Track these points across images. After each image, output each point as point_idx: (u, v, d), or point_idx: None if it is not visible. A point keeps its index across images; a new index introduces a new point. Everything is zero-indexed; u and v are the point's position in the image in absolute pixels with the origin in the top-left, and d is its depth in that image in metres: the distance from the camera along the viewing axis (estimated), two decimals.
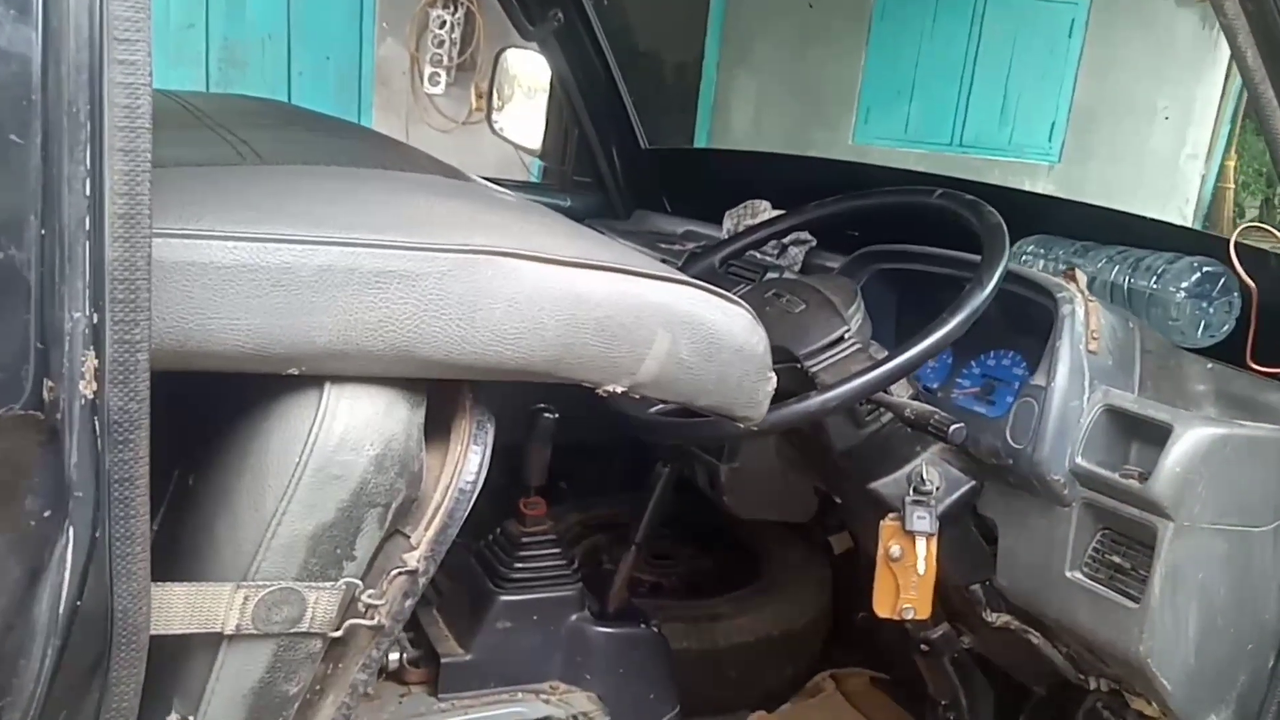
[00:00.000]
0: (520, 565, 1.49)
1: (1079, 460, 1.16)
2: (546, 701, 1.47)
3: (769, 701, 1.97)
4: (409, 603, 0.93)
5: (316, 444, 0.87)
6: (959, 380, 1.45)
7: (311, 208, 0.93)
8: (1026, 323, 1.32)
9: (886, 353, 1.17)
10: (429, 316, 0.84)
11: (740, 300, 0.98)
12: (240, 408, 0.93)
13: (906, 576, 1.23)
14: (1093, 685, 1.30)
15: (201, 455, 0.98)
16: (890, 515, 1.24)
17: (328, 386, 0.87)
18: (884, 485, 1.27)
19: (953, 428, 1.13)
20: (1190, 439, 1.09)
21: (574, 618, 1.51)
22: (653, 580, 2.10)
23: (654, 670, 1.57)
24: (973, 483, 1.28)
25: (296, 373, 0.85)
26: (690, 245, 1.91)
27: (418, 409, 0.92)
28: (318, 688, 0.98)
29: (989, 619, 1.34)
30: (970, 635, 1.44)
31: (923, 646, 1.48)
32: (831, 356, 1.19)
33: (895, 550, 1.22)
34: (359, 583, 0.91)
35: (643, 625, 1.57)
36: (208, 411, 0.98)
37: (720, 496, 1.71)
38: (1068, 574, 1.18)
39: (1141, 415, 1.15)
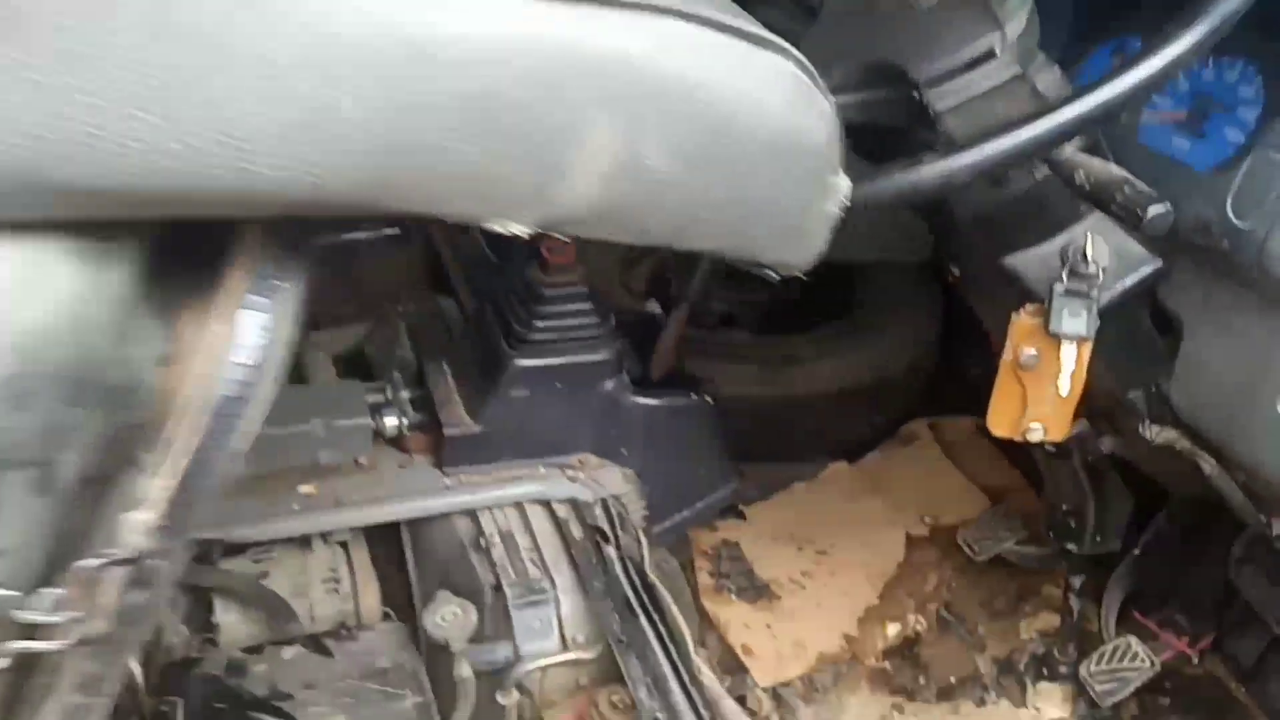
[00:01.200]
0: (541, 323, 1.19)
1: None
2: (573, 479, 1.22)
3: (853, 451, 1.71)
4: (145, 596, 0.56)
5: None
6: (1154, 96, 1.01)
7: None
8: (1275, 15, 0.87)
9: (1061, 80, 0.76)
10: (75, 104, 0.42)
11: (776, 39, 0.57)
12: None
13: (1040, 389, 0.89)
14: (1277, 530, 0.97)
15: None
16: (1029, 307, 0.88)
17: None
18: (1025, 261, 0.89)
19: (1152, 210, 0.73)
20: None
21: (608, 385, 1.22)
22: (723, 310, 1.78)
23: (703, 445, 1.30)
24: (1157, 263, 0.89)
25: None
26: None
27: (108, 271, 0.50)
28: None
29: (1147, 434, 1.00)
30: (1114, 438, 1.11)
31: (1047, 446, 1.16)
32: (970, 86, 0.77)
33: (1029, 356, 0.87)
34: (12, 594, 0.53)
35: (692, 395, 1.28)
36: None
37: None
38: None
39: None
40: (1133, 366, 0.95)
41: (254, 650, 1.07)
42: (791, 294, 1.85)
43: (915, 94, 0.78)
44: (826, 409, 1.67)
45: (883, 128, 0.89)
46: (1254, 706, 1.30)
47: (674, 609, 1.09)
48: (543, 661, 1.10)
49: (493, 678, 1.10)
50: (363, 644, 1.08)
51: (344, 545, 1.22)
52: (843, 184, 0.62)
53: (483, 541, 1.18)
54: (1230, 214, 0.80)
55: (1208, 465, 0.97)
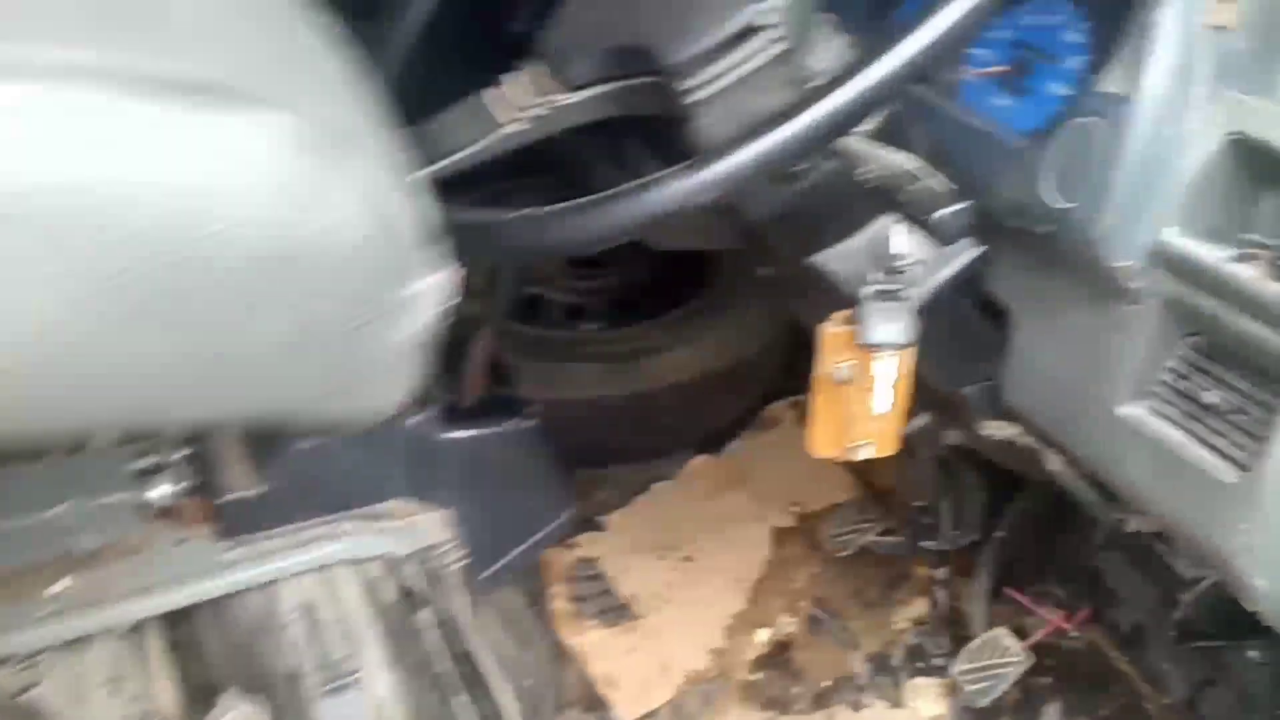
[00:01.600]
0: None
1: (1169, 234, 0.66)
2: (381, 531, 1.08)
3: (713, 441, 1.60)
4: None
5: None
6: (973, 48, 0.89)
7: None
8: None
9: (844, 51, 0.63)
10: None
11: (262, 87, 0.40)
12: None
13: (862, 403, 0.77)
14: (1132, 527, 0.88)
15: None
16: (836, 316, 0.76)
17: None
18: (832, 260, 0.78)
19: (939, 214, 0.62)
20: None
21: (410, 422, 1.08)
22: (572, 301, 1.64)
23: (529, 474, 1.17)
24: (977, 250, 0.77)
25: None
26: None
27: None
28: None
29: (986, 431, 0.89)
30: (958, 430, 1.01)
31: None
32: (727, 70, 0.64)
33: (844, 369, 0.75)
34: None
35: (511, 420, 1.14)
36: None
37: None
38: (1119, 410, 0.72)
39: None
40: (963, 363, 0.84)
41: None
42: (642, 276, 1.73)
43: (660, 79, 0.64)
44: (682, 400, 1.55)
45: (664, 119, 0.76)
46: (1135, 674, 1.23)
47: (498, 687, 0.97)
48: None
49: None
50: None
51: (136, 633, 1.07)
52: (427, 285, 0.47)
53: (276, 621, 1.03)
54: (1047, 193, 0.69)
55: (1053, 462, 0.88)
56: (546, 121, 0.75)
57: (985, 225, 0.76)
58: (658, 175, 0.58)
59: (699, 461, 1.58)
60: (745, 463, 1.57)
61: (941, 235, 0.64)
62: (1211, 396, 0.68)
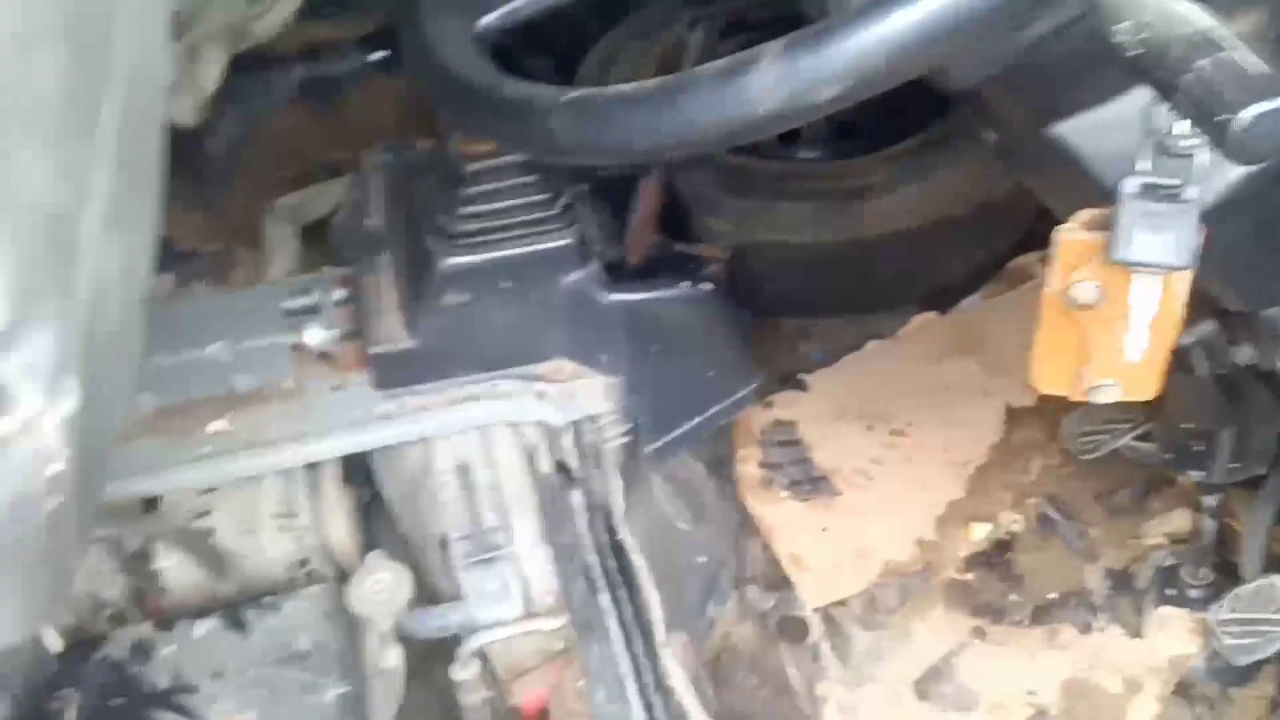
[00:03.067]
0: (469, 210, 0.93)
1: None
2: (540, 395, 0.99)
3: (942, 298, 1.38)
4: None
5: None
6: None
7: None
8: None
9: None
10: None
11: None
12: None
13: (1108, 336, 0.57)
14: None
15: None
16: (1082, 215, 0.54)
17: None
18: (1078, 134, 0.55)
19: (1242, 117, 0.39)
20: None
21: (572, 279, 0.96)
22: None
23: (705, 342, 1.03)
24: None
25: None
26: None
27: None
28: None
29: None
30: (1253, 348, 0.76)
31: None
32: None
33: (1085, 292, 0.55)
34: None
35: (686, 283, 1.00)
36: None
37: None
38: None
39: None
40: (1269, 277, 0.60)
41: (165, 626, 0.92)
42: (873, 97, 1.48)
43: None
44: (910, 247, 1.33)
45: None
46: None
47: (647, 583, 0.87)
48: (501, 632, 0.91)
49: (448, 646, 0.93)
50: (284, 617, 0.91)
51: (308, 471, 1.04)
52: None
53: (430, 481, 0.97)
54: None
55: None
56: None
57: None
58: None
59: (923, 320, 1.37)
60: (979, 325, 1.35)
61: (1241, 150, 0.42)
62: None
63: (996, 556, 1.17)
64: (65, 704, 0.86)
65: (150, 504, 1.01)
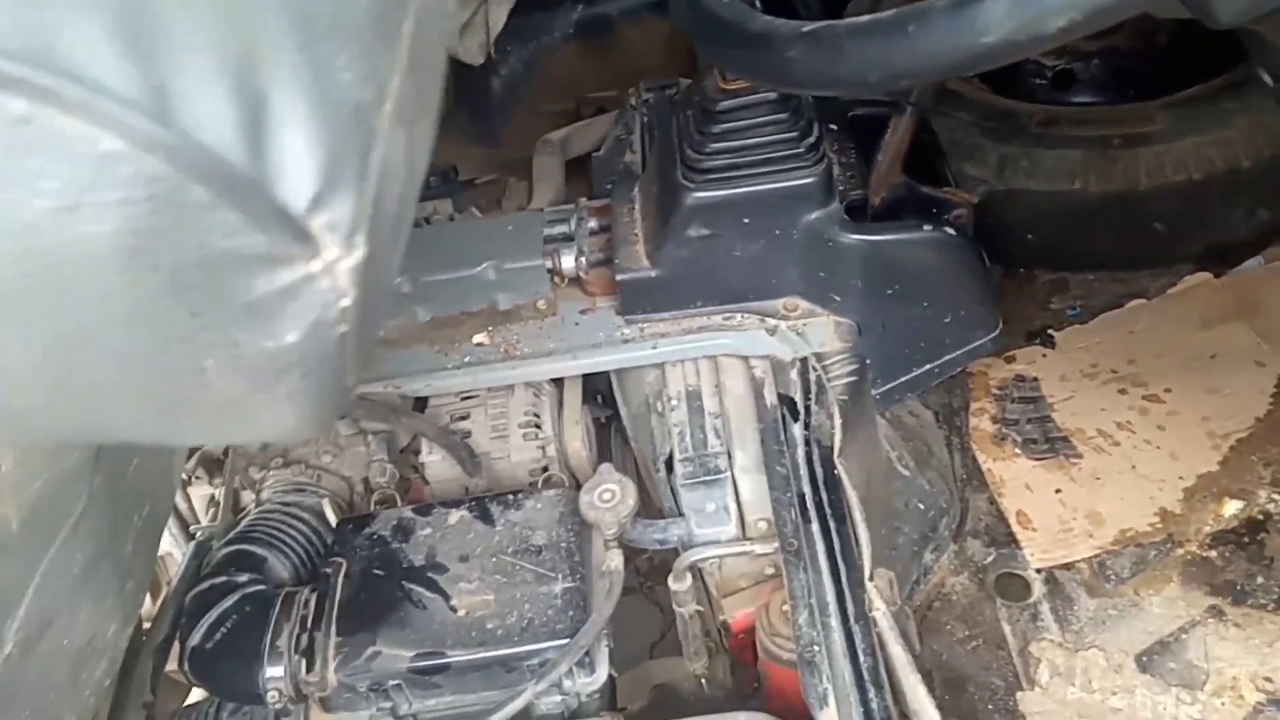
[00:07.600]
0: (718, 145, 0.97)
1: None
2: (772, 331, 1.02)
3: (1219, 257, 1.28)
4: None
5: None
6: None
7: None
8: None
9: None
10: None
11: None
12: None
13: None
14: None
15: None
16: None
17: None
18: None
19: None
20: None
21: (812, 217, 0.98)
22: (1058, 67, 1.35)
23: (943, 287, 1.02)
24: None
25: None
26: None
27: None
28: None
29: None
30: None
31: None
32: None
33: None
34: None
35: (928, 226, 0.99)
36: None
37: None
38: None
39: None
40: None
41: (423, 512, 1.03)
42: (1157, 38, 1.38)
43: None
44: (1186, 202, 1.25)
45: None
46: None
47: (858, 518, 0.89)
48: (716, 551, 0.96)
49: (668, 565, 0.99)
50: (525, 514, 1.00)
51: (554, 386, 1.13)
52: (305, 274, 0.37)
53: (661, 403, 1.03)
54: None
55: None
56: None
57: None
58: None
59: (1196, 280, 1.28)
60: (1256, 289, 1.25)
61: None
62: None
63: (1248, 535, 1.10)
64: (336, 569, 0.99)
65: (420, 404, 1.13)
